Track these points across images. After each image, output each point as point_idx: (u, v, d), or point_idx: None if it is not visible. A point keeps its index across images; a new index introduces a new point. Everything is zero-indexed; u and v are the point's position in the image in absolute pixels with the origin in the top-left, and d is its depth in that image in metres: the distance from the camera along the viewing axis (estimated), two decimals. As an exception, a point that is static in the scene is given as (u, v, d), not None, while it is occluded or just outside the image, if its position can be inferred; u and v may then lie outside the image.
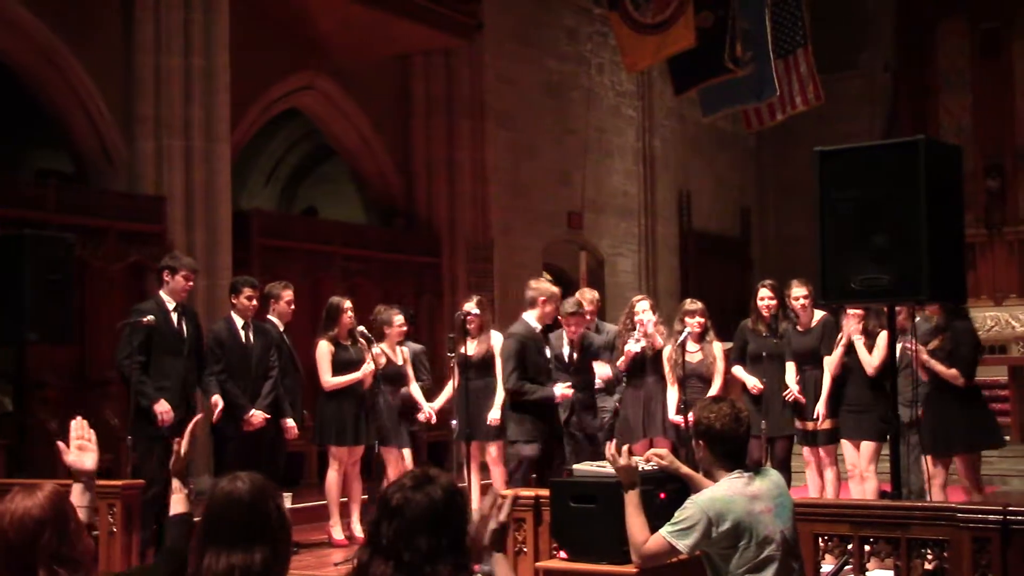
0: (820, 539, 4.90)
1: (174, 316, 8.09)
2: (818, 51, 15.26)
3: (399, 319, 9.40)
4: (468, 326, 9.13)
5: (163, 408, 7.89)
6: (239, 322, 8.52)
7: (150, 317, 7.77)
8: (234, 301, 8.59)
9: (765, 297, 8.89)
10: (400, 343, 9.50)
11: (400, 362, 9.33)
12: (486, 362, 9.18)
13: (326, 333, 9.05)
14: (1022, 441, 13.50)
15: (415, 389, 9.39)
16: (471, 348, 9.12)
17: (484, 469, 9.48)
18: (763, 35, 14.27)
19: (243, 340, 8.49)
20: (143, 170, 10.96)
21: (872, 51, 20.72)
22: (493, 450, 9.20)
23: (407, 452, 9.23)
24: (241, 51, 11.68)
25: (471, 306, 9.24)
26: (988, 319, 18.35)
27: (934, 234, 5.35)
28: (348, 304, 9.12)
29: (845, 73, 19.70)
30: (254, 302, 8.58)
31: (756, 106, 15.31)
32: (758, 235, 21.45)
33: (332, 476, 9.08)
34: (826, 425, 8.46)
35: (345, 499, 9.21)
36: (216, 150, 11.25)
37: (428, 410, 9.35)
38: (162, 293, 8.15)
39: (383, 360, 9.10)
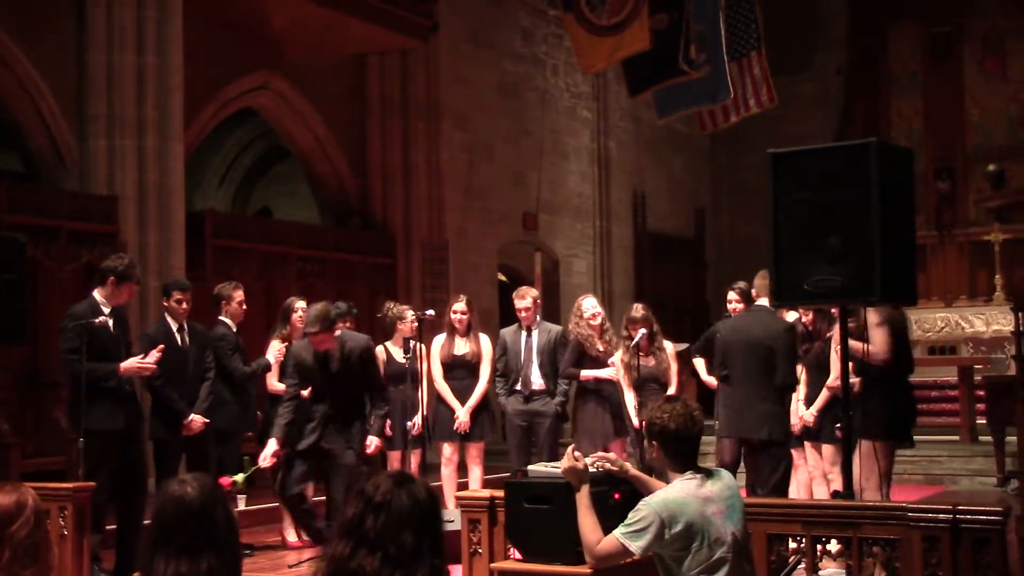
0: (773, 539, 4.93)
1: (109, 321, 7.63)
2: (771, 54, 15.35)
3: (409, 315, 9.33)
4: (456, 325, 9.13)
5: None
6: (173, 325, 8.29)
7: (102, 318, 7.58)
8: (165, 304, 8.39)
9: (732, 300, 8.97)
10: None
11: (402, 360, 9.22)
12: (474, 363, 9.16)
13: (279, 333, 9.00)
14: (972, 441, 13.64)
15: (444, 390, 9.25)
16: (460, 347, 9.12)
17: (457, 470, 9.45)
18: (717, 38, 14.34)
19: (178, 343, 8.25)
20: (95, 170, 10.86)
21: (824, 54, 20.89)
22: (474, 451, 9.20)
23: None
24: (195, 50, 11.62)
25: (460, 305, 9.20)
26: (939, 320, 18.55)
27: (886, 236, 5.39)
28: (300, 304, 9.03)
29: (798, 76, 19.86)
30: (184, 305, 8.32)
31: (710, 108, 15.38)
32: (712, 236, 21.56)
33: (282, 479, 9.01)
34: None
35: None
36: (169, 150, 11.17)
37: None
38: (97, 295, 7.70)
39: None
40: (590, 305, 9.23)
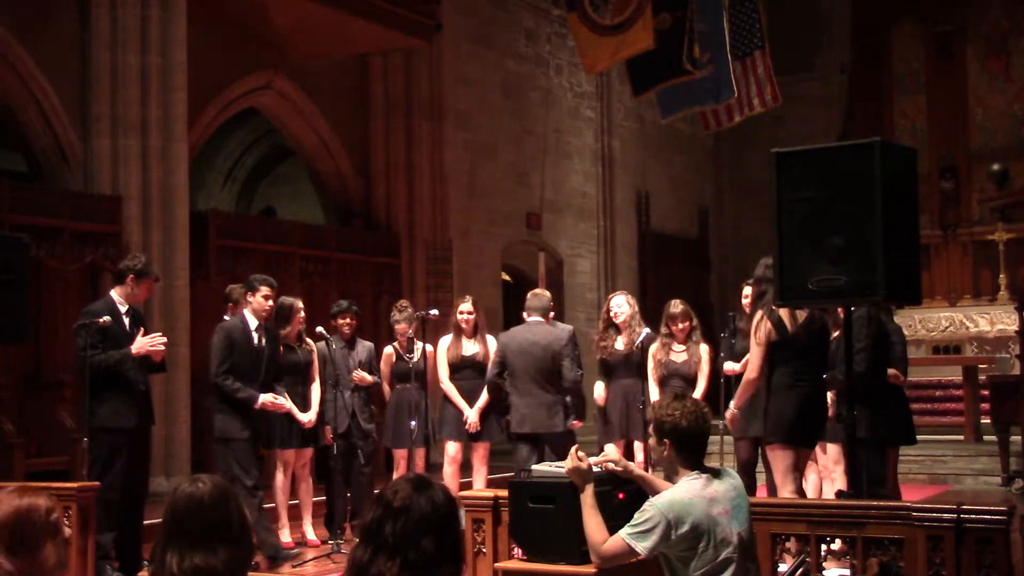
0: (777, 539, 4.93)
1: (126, 320, 7.65)
2: (775, 53, 15.36)
3: (401, 316, 9.33)
4: (462, 325, 9.11)
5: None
6: (252, 323, 8.17)
7: (106, 318, 7.49)
8: (249, 299, 8.24)
9: (750, 295, 8.76)
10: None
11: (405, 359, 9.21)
12: (482, 364, 9.10)
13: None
14: (976, 440, 13.64)
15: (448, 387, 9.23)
16: (467, 348, 9.09)
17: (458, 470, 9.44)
18: (721, 37, 14.35)
19: (255, 342, 8.15)
20: (99, 169, 10.86)
21: (828, 54, 20.90)
22: (480, 451, 9.18)
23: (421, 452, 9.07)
24: (199, 49, 11.61)
25: (467, 306, 9.18)
26: (943, 320, 18.54)
27: (890, 235, 5.39)
28: (300, 305, 8.99)
29: (801, 75, 19.87)
30: (270, 303, 8.24)
31: (714, 108, 15.39)
32: (716, 236, 21.56)
33: (279, 479, 8.96)
34: None
35: (295, 502, 9.13)
36: (173, 149, 11.16)
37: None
38: (114, 294, 7.71)
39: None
40: (616, 303, 9.26)
